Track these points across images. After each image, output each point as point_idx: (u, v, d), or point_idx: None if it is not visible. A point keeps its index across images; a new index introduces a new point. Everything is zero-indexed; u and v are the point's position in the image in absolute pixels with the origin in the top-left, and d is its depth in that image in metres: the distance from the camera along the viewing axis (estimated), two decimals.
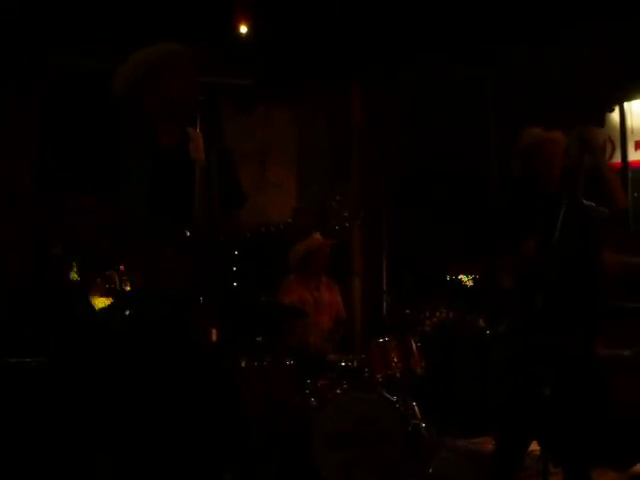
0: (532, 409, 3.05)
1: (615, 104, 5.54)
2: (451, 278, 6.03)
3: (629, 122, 5.53)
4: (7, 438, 3.80)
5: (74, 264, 2.54)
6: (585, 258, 3.17)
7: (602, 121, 5.48)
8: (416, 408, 4.45)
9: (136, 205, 2.53)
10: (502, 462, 3.32)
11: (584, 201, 3.26)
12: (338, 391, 4.08)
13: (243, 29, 5.53)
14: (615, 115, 5.57)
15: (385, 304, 6.38)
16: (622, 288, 3.31)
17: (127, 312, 2.43)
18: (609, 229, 3.26)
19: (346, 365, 4.51)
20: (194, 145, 2.63)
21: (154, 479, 2.44)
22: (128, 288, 2.46)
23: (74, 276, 2.51)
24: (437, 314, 4.71)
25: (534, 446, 3.44)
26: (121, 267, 2.47)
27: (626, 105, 5.53)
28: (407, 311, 4.74)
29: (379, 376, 4.34)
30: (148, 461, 2.42)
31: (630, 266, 3.65)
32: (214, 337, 2.44)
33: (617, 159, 5.56)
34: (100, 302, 2.43)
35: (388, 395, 4.18)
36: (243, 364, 4.18)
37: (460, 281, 6.02)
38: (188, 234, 2.54)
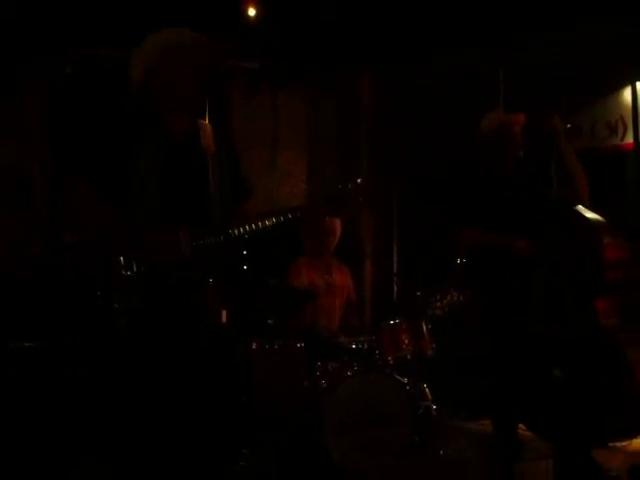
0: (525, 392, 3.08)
1: (626, 84, 5.49)
2: (461, 261, 6.01)
3: None
4: (10, 424, 3.83)
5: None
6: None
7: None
8: (427, 390, 4.46)
9: (149, 194, 2.53)
10: (500, 443, 3.45)
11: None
12: (349, 373, 4.10)
13: (252, 12, 5.50)
14: (627, 95, 5.52)
15: (396, 287, 6.38)
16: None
17: (134, 302, 2.43)
18: None
19: (357, 347, 4.52)
20: (204, 135, 2.64)
21: (164, 464, 2.46)
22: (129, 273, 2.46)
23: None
24: (447, 297, 4.71)
25: None
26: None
27: (638, 85, 5.47)
28: (418, 294, 4.74)
29: (390, 358, 4.34)
30: (158, 444, 2.44)
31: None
32: (223, 319, 2.46)
33: (629, 139, 5.52)
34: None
35: (399, 377, 4.20)
36: (254, 346, 4.20)
37: None
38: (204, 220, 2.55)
